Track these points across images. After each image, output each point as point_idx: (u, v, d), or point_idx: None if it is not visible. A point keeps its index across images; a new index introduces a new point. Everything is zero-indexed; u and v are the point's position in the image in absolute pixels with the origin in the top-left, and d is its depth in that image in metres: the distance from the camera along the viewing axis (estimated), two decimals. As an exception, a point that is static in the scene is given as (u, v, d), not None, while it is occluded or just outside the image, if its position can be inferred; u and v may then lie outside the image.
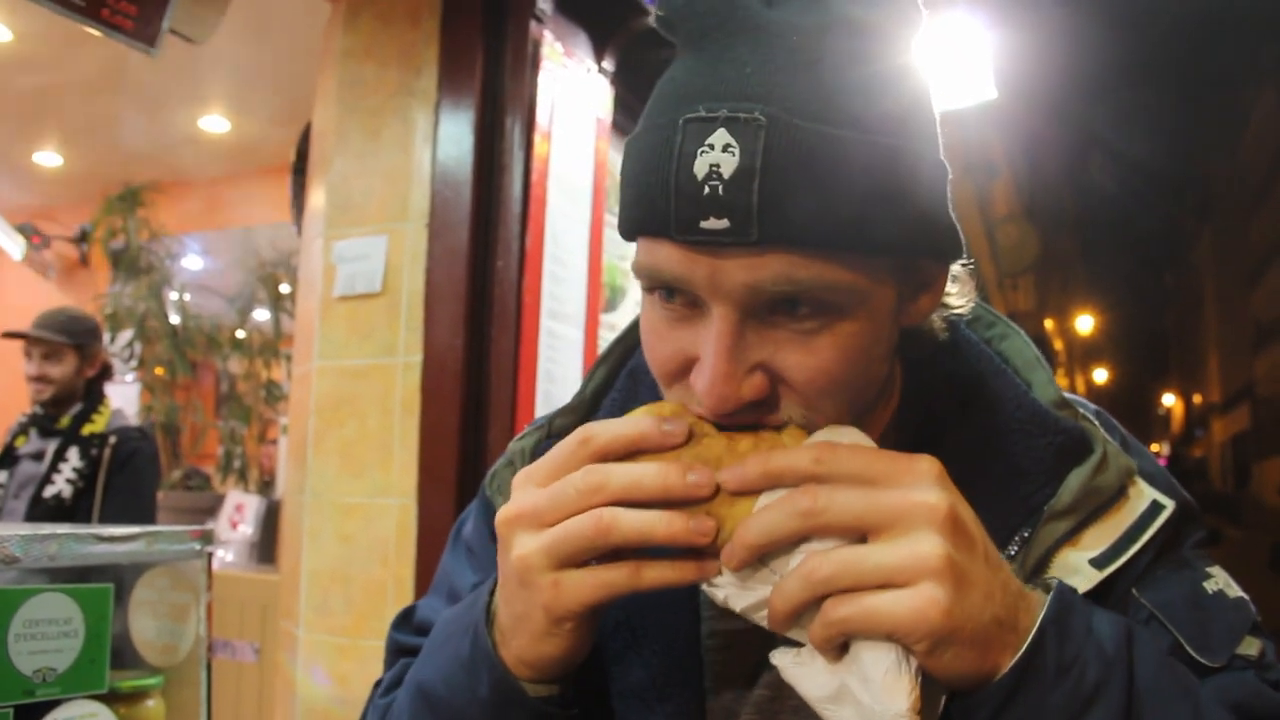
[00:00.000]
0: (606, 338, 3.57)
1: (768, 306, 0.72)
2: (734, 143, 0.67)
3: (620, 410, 0.95)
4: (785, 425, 0.74)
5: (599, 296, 3.30)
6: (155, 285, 5.77)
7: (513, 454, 1.05)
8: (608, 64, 3.33)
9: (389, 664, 1.11)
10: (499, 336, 2.74)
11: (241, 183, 6.99)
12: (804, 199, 0.67)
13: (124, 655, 1.17)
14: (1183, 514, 0.85)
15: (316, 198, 3.01)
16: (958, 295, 0.88)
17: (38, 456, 3.47)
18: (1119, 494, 0.83)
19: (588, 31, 3.25)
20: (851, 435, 0.72)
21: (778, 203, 0.67)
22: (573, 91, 3.09)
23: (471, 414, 2.70)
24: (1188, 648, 0.80)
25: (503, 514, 0.73)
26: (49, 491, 3.34)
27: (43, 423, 3.51)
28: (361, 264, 2.81)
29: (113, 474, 3.44)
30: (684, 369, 0.76)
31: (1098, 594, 0.79)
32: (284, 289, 5.68)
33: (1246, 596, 0.85)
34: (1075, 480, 0.82)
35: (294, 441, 3.01)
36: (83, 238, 7.50)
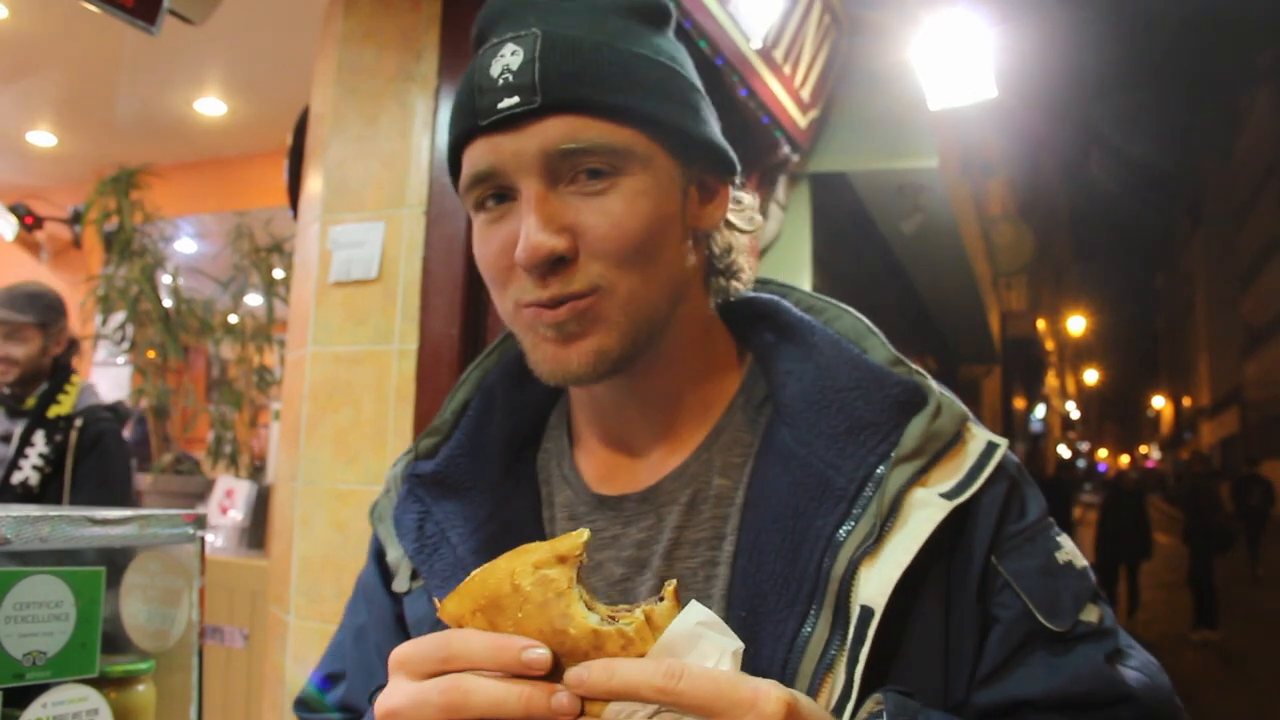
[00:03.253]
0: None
1: (565, 175, 0.87)
2: (518, 49, 0.87)
3: (476, 425, 1.08)
4: (659, 602, 0.72)
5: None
6: (148, 268, 5.73)
7: (388, 482, 1.12)
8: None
9: None
10: (494, 325, 2.73)
11: (237, 166, 6.97)
12: (578, 75, 0.86)
13: (115, 639, 1.16)
14: (1020, 480, 0.96)
15: (313, 182, 3.00)
16: (742, 217, 1.03)
17: (5, 439, 3.33)
18: (957, 438, 0.92)
19: (589, 20, 3.24)
20: (701, 614, 0.71)
21: (557, 76, 0.86)
22: (573, 80, 3.08)
23: (466, 403, 2.68)
24: (1037, 614, 0.89)
25: (380, 707, 0.75)
26: (16, 478, 3.22)
27: (8, 403, 3.35)
28: (358, 250, 2.80)
29: (80, 458, 3.30)
30: (508, 266, 0.90)
31: (953, 540, 0.89)
32: (278, 274, 5.66)
33: (1089, 565, 0.96)
34: (915, 427, 0.91)
35: (287, 427, 2.99)
36: (76, 219, 7.47)
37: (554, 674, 0.71)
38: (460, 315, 2.67)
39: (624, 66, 0.89)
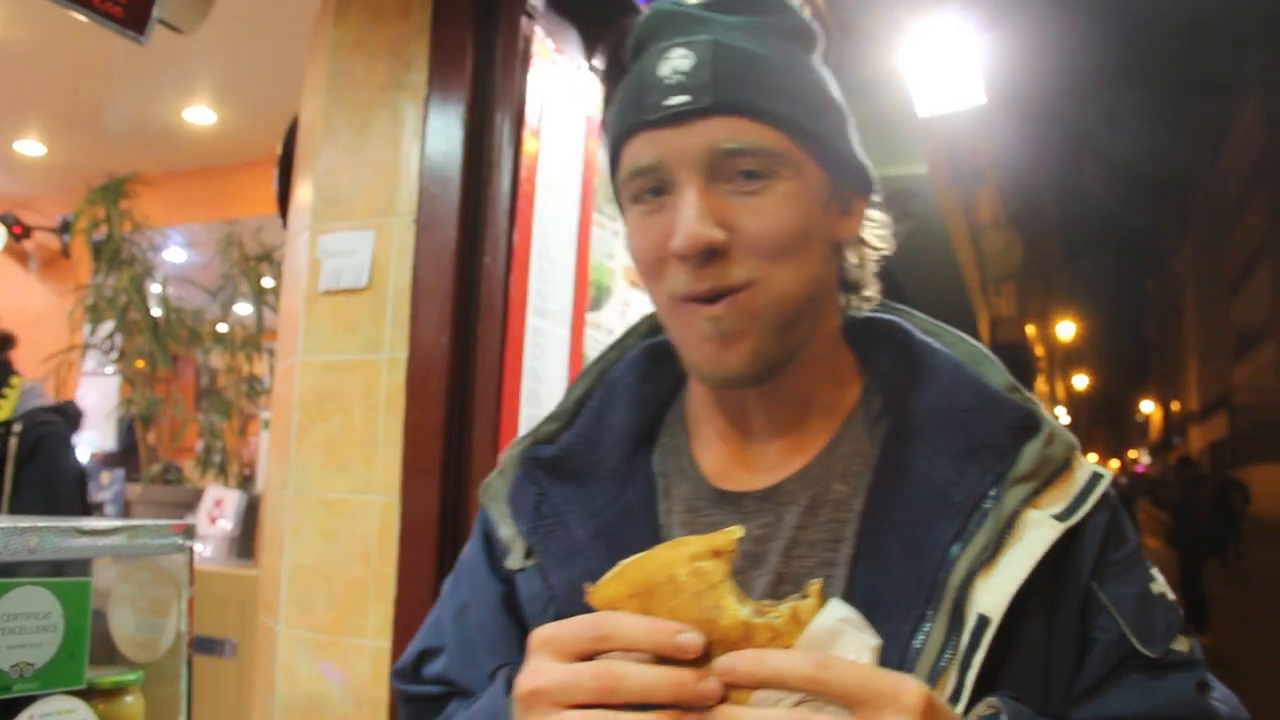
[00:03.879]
0: (592, 336, 3.56)
1: (723, 173, 0.93)
2: (689, 53, 0.93)
3: (597, 415, 1.13)
4: (804, 599, 0.77)
5: (585, 295, 3.29)
6: (137, 277, 5.71)
7: (503, 463, 1.16)
8: (598, 62, 3.32)
9: (402, 714, 1.20)
10: (485, 333, 2.73)
11: (226, 175, 6.95)
12: (748, 80, 0.93)
13: (103, 650, 1.16)
14: (1119, 510, 1.01)
15: (303, 191, 2.99)
16: (875, 235, 1.08)
17: None
18: (1065, 464, 0.98)
19: (579, 29, 3.24)
20: (843, 611, 0.77)
21: (727, 79, 0.92)
22: (563, 89, 3.08)
23: (456, 411, 2.68)
24: (1133, 639, 0.95)
25: (524, 685, 0.80)
26: None
27: None
28: (347, 259, 2.79)
29: (21, 466, 3.09)
30: (663, 258, 0.95)
31: (1057, 561, 0.93)
32: (267, 283, 5.64)
33: (1176, 599, 1.02)
34: (1031, 451, 0.97)
35: (276, 436, 2.99)
36: (64, 228, 7.45)
37: (699, 661, 0.75)
38: (450, 324, 2.67)
39: (786, 79, 0.95)
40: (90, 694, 1.06)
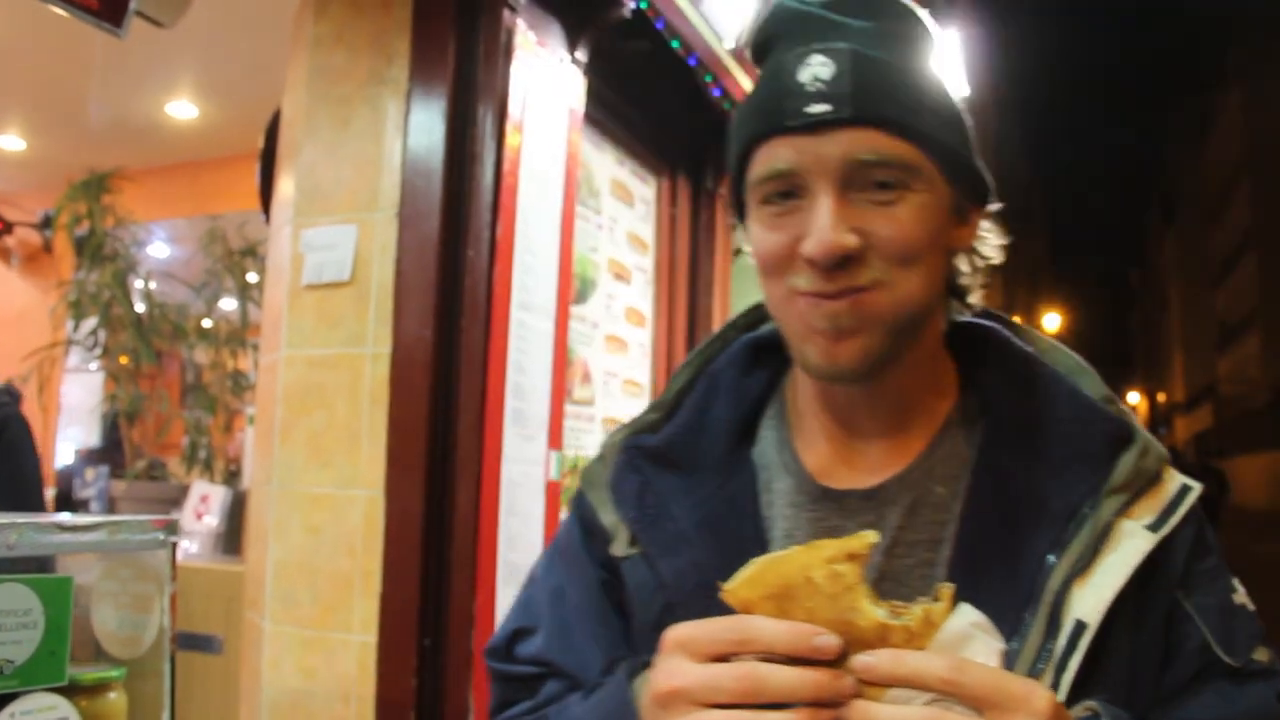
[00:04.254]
0: (577, 329, 3.56)
1: (858, 182, 0.94)
2: (829, 60, 0.95)
3: (700, 407, 1.15)
4: (935, 602, 0.80)
5: (569, 288, 3.29)
6: (120, 273, 5.68)
7: (604, 450, 1.18)
8: (581, 55, 3.32)
9: (494, 692, 1.21)
10: (469, 327, 2.73)
11: (210, 170, 6.91)
12: (887, 93, 0.94)
13: (85, 647, 1.15)
14: (1205, 522, 1.04)
15: (285, 186, 2.98)
16: (986, 245, 1.10)
17: None
18: (1157, 476, 1.00)
19: (561, 22, 3.24)
20: (974, 615, 0.80)
21: (867, 92, 0.94)
22: (545, 82, 3.08)
23: (440, 405, 2.68)
24: (1216, 648, 0.97)
25: (661, 685, 0.83)
26: None
27: None
28: (330, 253, 2.79)
29: None
30: (789, 256, 0.97)
31: (1147, 571, 0.95)
32: (252, 278, 5.62)
33: (1255, 610, 1.04)
34: (1126, 462, 0.99)
35: (261, 431, 2.98)
36: (46, 224, 7.40)
37: (834, 661, 0.78)
38: (434, 318, 2.67)
39: (921, 91, 0.98)
40: (72, 691, 1.06)
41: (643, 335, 4.30)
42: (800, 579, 0.79)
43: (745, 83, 4.48)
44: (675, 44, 3.83)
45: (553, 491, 3.10)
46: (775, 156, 0.97)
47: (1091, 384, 1.07)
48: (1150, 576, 0.96)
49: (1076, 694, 0.89)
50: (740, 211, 1.08)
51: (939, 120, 0.98)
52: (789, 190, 0.97)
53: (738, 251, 5.31)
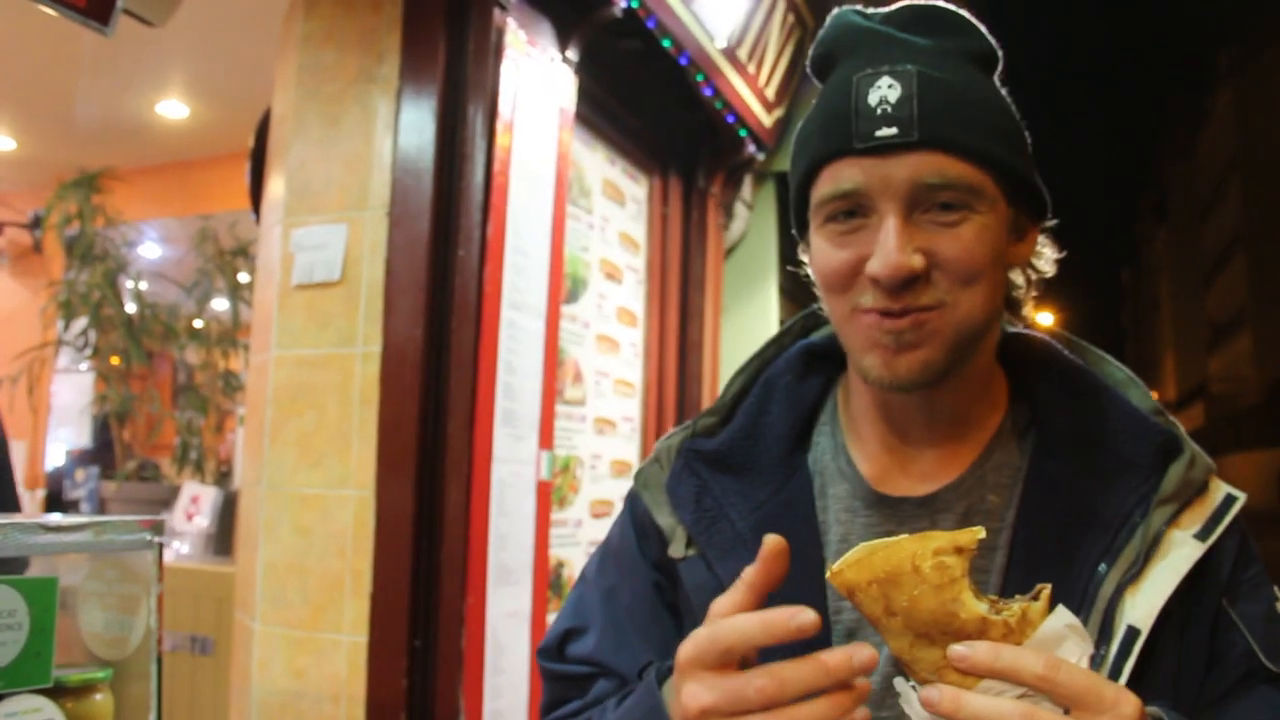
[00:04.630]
0: (568, 329, 3.56)
1: (923, 204, 0.96)
2: (895, 83, 0.96)
3: (756, 412, 1.17)
4: (1034, 601, 0.82)
5: (560, 287, 3.29)
6: (111, 273, 5.66)
7: (659, 452, 1.19)
8: (571, 54, 3.31)
9: (546, 691, 1.23)
10: (459, 327, 2.72)
11: (200, 169, 6.89)
12: (951, 116, 0.96)
13: (71, 649, 1.14)
14: (1248, 532, 1.06)
15: (275, 185, 2.98)
16: (1045, 261, 1.12)
17: None
18: (1203, 486, 1.02)
19: (552, 21, 3.23)
20: (1069, 618, 0.82)
21: (933, 115, 0.95)
22: (536, 81, 3.07)
23: (431, 405, 2.68)
24: (1260, 655, 1.00)
25: (691, 708, 0.83)
26: None
27: None
28: (320, 252, 2.78)
29: None
30: (853, 274, 0.99)
31: (1193, 579, 0.97)
32: (243, 278, 5.61)
33: None
34: (1175, 473, 1.01)
35: (251, 432, 2.97)
36: (36, 224, 7.37)
37: (935, 644, 0.80)
38: (424, 317, 2.66)
39: (985, 113, 0.99)
40: (58, 692, 1.05)
41: (634, 335, 4.30)
42: (908, 567, 0.80)
43: (737, 83, 4.47)
44: (666, 43, 3.83)
45: (543, 491, 3.09)
46: (842, 176, 0.98)
47: (1140, 396, 1.09)
48: (1196, 584, 0.98)
49: None
50: (801, 227, 1.10)
51: (1001, 140, 1.00)
52: (854, 209, 0.99)
53: (729, 250, 5.30)
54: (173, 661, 3.75)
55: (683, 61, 3.99)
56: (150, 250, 7.43)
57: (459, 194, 2.75)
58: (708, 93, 4.25)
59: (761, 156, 5.16)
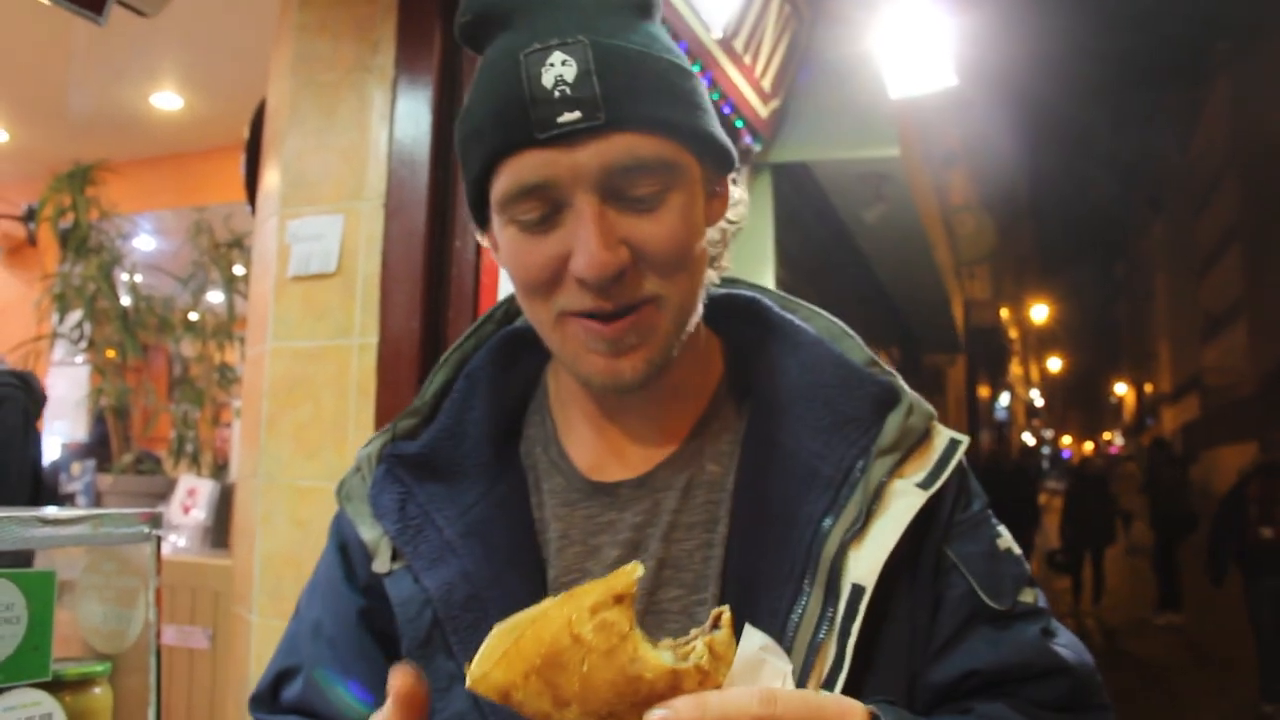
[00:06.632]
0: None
1: (618, 190, 0.89)
2: (569, 58, 0.87)
3: (460, 409, 1.09)
4: (714, 630, 0.74)
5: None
6: (105, 265, 5.63)
7: (360, 460, 1.12)
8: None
9: None
10: (456, 318, 2.71)
11: (195, 161, 6.88)
12: (634, 91, 0.88)
13: (70, 642, 1.14)
14: (967, 472, 1.05)
15: (270, 176, 2.96)
16: (736, 210, 1.07)
17: None
18: (925, 434, 1.00)
19: (549, 11, 3.22)
20: (759, 638, 0.75)
21: (617, 93, 0.87)
22: (533, 71, 3.06)
23: (429, 397, 2.67)
24: (981, 594, 0.98)
25: None
26: None
27: None
28: (316, 244, 2.77)
29: None
30: (555, 275, 0.91)
31: (918, 527, 0.95)
32: (238, 270, 5.59)
33: (1022, 553, 1.06)
34: (893, 423, 0.99)
35: (247, 424, 2.96)
36: (30, 216, 7.35)
37: (632, 715, 0.70)
38: (420, 308, 2.66)
39: (665, 78, 0.92)
40: (56, 686, 1.05)
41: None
42: (566, 640, 0.69)
43: (733, 74, 4.46)
44: (663, 34, 3.82)
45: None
46: (526, 169, 0.89)
47: (854, 348, 1.06)
48: (919, 532, 0.96)
49: (861, 658, 0.89)
50: (481, 221, 1.01)
51: (685, 103, 0.93)
52: (543, 204, 0.90)
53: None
54: (169, 654, 3.75)
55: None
56: (145, 243, 7.42)
57: (455, 184, 2.74)
58: (704, 82, 4.24)
59: (758, 147, 5.16)
